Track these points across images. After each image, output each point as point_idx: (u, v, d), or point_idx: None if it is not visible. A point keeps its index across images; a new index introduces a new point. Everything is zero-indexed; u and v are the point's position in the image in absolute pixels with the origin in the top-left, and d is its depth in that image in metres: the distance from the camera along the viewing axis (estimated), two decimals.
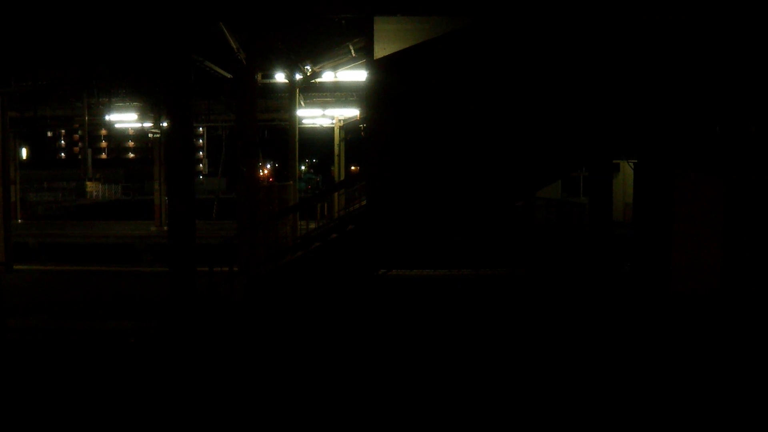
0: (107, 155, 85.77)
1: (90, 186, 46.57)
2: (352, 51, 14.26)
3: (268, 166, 51.05)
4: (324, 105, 22.35)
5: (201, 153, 76.82)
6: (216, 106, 22.13)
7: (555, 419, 5.76)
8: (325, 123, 26.78)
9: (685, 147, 8.77)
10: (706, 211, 9.01)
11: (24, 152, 43.94)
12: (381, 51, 8.11)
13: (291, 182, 16.87)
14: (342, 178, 27.85)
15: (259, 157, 13.95)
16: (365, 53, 9.28)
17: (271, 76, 17.00)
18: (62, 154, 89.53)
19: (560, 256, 14.16)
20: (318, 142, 38.48)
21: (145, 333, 8.67)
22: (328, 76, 16.24)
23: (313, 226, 12.88)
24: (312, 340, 8.35)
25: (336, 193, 21.86)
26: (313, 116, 24.28)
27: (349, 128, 27.00)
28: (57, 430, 5.63)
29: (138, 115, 22.67)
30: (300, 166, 29.79)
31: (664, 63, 7.64)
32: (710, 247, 9.02)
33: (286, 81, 17.05)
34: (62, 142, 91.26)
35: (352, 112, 23.51)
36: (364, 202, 13.39)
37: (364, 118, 19.11)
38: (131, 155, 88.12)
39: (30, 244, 18.58)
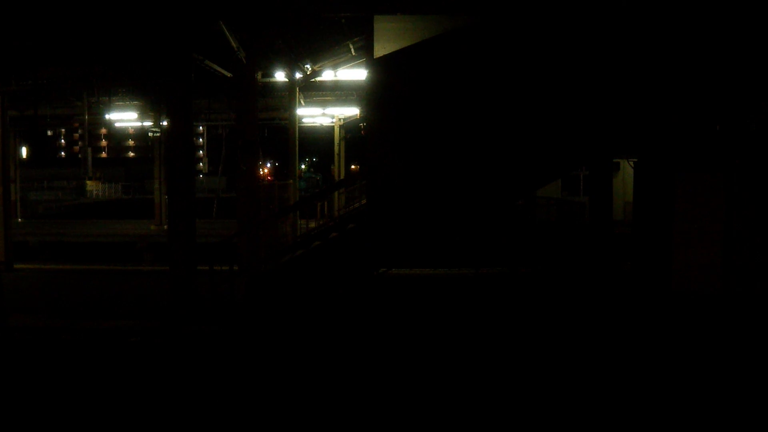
0: (107, 154, 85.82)
1: (90, 185, 46.52)
2: (352, 50, 14.25)
3: (268, 164, 51.07)
4: (324, 104, 22.33)
5: (201, 152, 76.81)
6: (216, 105, 22.10)
7: (555, 419, 5.76)
8: (325, 122, 26.75)
9: (686, 146, 8.77)
10: (706, 211, 9.01)
11: (24, 151, 44.00)
12: (381, 50, 8.10)
13: (291, 181, 16.87)
14: (342, 177, 27.85)
15: (259, 156, 13.95)
16: (365, 52, 9.28)
17: (271, 75, 16.98)
18: (62, 152, 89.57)
19: (560, 255, 14.17)
20: (318, 141, 38.43)
21: (145, 332, 8.67)
22: (328, 75, 16.21)
23: (313, 225, 12.89)
24: (312, 339, 8.36)
25: (336, 192, 21.85)
26: (313, 115, 24.26)
27: (349, 127, 26.98)
28: (58, 430, 5.63)
29: (138, 114, 22.65)
30: (300, 165, 29.76)
31: (664, 62, 7.63)
32: (711, 246, 9.03)
33: (286, 80, 17.03)
34: (62, 140, 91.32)
35: (352, 111, 23.50)
36: (364, 201, 13.40)
37: (364, 117, 19.11)
38: (131, 154, 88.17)
39: (30, 243, 18.59)
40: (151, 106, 21.74)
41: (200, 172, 65.36)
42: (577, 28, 7.80)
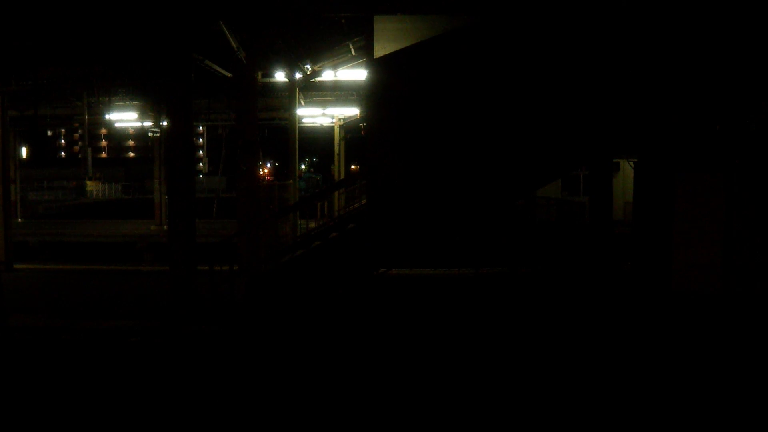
0: (107, 154, 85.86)
1: (90, 185, 46.49)
2: (352, 50, 14.25)
3: (268, 165, 51.09)
4: (324, 104, 22.32)
5: (201, 152, 76.79)
6: (216, 105, 22.09)
7: (555, 419, 5.76)
8: (325, 122, 26.74)
9: (686, 146, 8.77)
10: (706, 211, 9.01)
11: (24, 151, 43.99)
12: (381, 50, 8.10)
13: (291, 181, 16.86)
14: (342, 177, 27.84)
15: (259, 156, 13.95)
16: (365, 52, 9.28)
17: (271, 75, 16.98)
18: (62, 153, 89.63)
19: (560, 255, 14.18)
20: (318, 141, 38.41)
21: (145, 332, 8.67)
22: (328, 75, 16.20)
23: (313, 225, 12.88)
24: (312, 339, 8.36)
25: (336, 192, 21.84)
26: (313, 115, 24.25)
27: (349, 127, 26.98)
28: (59, 430, 5.63)
29: (138, 114, 22.65)
30: (300, 165, 29.76)
31: (664, 62, 7.63)
32: (711, 246, 9.03)
33: (286, 80, 17.02)
34: (62, 141, 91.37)
35: (352, 111, 23.49)
36: (364, 201, 13.39)
37: (364, 117, 19.10)
38: (131, 154, 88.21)
39: (30, 243, 18.60)
40: (151, 106, 21.74)
41: (200, 172, 65.29)
42: (577, 28, 7.80)
